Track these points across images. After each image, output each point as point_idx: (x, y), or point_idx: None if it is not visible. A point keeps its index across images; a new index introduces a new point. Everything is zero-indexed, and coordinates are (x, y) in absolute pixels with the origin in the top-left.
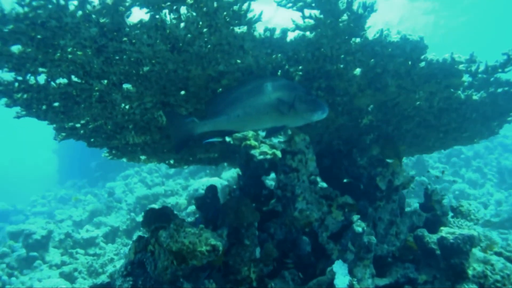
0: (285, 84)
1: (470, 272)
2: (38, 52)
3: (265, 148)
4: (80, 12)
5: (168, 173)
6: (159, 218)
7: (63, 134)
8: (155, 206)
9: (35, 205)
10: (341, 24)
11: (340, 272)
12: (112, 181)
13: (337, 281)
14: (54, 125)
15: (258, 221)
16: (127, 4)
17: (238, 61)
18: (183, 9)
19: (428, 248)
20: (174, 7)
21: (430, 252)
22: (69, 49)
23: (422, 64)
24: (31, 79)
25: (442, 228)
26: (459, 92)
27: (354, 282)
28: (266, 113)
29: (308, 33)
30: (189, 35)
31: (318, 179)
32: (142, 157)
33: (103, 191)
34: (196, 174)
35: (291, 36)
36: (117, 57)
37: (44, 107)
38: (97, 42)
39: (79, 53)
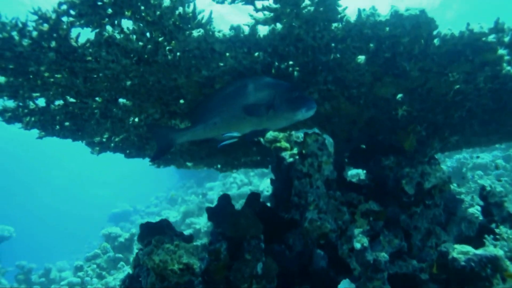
0: (265, 83)
1: None
2: (19, 80)
3: (297, 150)
4: (28, 40)
5: (263, 171)
6: (152, 232)
7: (97, 148)
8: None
9: (149, 205)
10: (304, 11)
11: None
12: (213, 181)
13: None
14: (84, 142)
15: (281, 231)
16: (64, 27)
17: (221, 64)
18: (127, 23)
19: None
20: (116, 22)
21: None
22: (46, 74)
23: (436, 41)
24: (31, 104)
25: (455, 246)
26: (508, 68)
27: None
28: (243, 118)
29: (278, 25)
30: (149, 46)
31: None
32: (189, 164)
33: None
34: None
35: (263, 31)
36: (94, 75)
37: (57, 127)
38: (63, 64)
39: (58, 76)
